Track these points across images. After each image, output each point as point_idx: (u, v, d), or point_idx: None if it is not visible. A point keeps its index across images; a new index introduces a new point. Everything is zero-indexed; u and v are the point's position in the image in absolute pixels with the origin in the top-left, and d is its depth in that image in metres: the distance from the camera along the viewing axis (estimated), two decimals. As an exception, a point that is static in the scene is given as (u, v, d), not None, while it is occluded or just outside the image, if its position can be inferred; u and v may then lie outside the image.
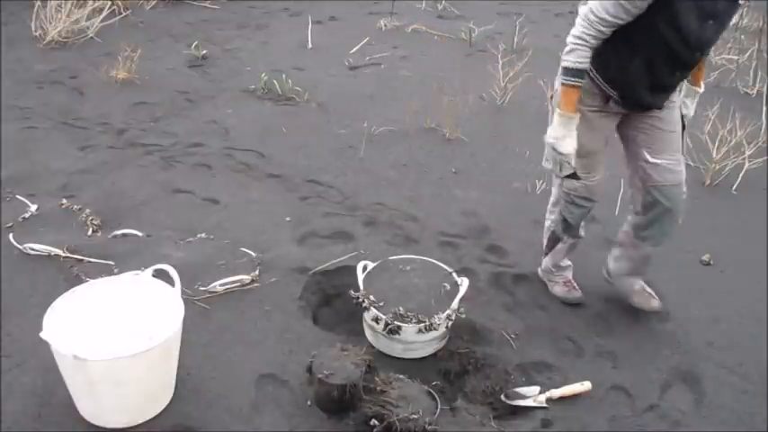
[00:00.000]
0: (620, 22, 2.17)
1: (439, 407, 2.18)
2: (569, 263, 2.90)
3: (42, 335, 1.96)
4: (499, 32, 6.23)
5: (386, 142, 4.17)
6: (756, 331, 2.78)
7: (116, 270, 2.74)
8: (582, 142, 2.38)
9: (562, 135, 2.34)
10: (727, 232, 3.47)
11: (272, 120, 4.41)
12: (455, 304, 2.47)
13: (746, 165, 3.97)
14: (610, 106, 2.45)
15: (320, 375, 2.17)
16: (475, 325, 2.64)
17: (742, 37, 6.36)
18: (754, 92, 5.27)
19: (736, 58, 5.72)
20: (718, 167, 3.94)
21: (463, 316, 2.54)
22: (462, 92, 4.60)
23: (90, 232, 3.06)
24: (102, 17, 5.68)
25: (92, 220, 3.13)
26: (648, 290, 2.76)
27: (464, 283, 2.57)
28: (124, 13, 6.08)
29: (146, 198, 3.40)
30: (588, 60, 2.25)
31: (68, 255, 2.84)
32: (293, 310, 2.68)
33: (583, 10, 2.23)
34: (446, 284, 2.57)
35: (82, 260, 2.83)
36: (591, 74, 2.36)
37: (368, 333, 2.55)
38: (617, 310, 2.83)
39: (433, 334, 2.44)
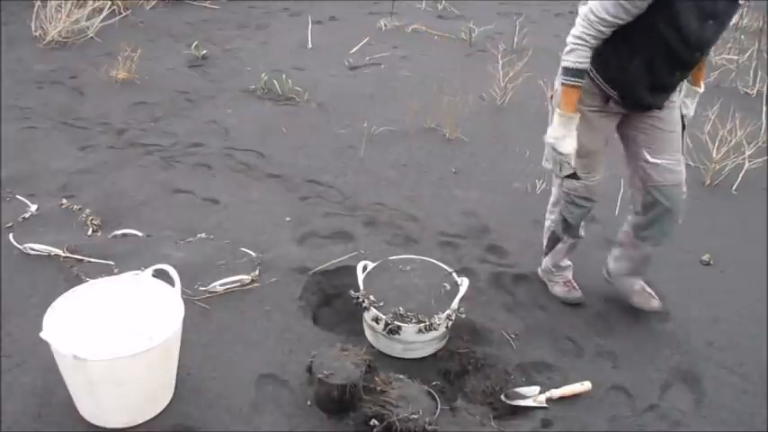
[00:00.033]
0: (620, 22, 2.17)
1: (439, 407, 2.18)
2: (569, 263, 2.90)
3: (42, 335, 1.96)
4: (499, 32, 6.23)
5: (386, 142, 4.17)
6: (756, 331, 2.78)
7: (116, 270, 2.74)
8: (582, 142, 2.38)
9: (562, 135, 2.34)
10: (727, 232, 3.47)
11: (272, 120, 4.41)
12: (455, 304, 2.47)
13: (746, 165, 3.97)
14: (610, 106, 2.45)
15: (320, 375, 2.17)
16: (475, 325, 2.64)
17: (742, 37, 6.36)
18: (754, 92, 5.27)
19: (736, 58, 5.72)
20: (718, 167, 3.94)
21: (463, 316, 2.54)
22: (462, 92, 4.60)
23: (90, 232, 3.06)
24: (102, 17, 5.68)
25: (92, 220, 3.13)
26: (648, 290, 2.76)
27: (464, 283, 2.57)
28: (124, 13, 6.08)
29: (146, 198, 3.40)
30: (588, 60, 2.25)
31: (68, 255, 2.84)
32: (293, 310, 2.68)
33: (583, 10, 2.22)
34: (446, 284, 2.57)
35: (82, 260, 2.83)
36: (591, 74, 2.37)
37: (368, 333, 2.55)
38: (617, 310, 2.83)
39: (433, 334, 2.44)
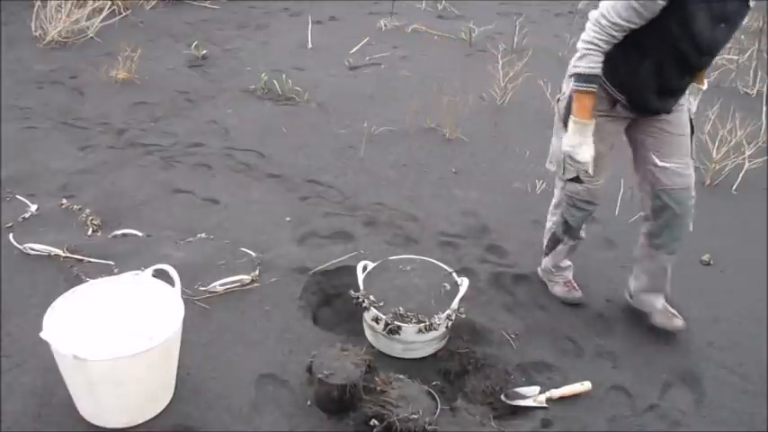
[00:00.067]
0: (633, 26, 2.15)
1: (439, 407, 2.18)
2: (569, 263, 2.90)
3: (42, 335, 1.96)
4: (499, 32, 6.23)
5: (386, 142, 4.17)
6: (756, 331, 2.78)
7: (116, 270, 2.74)
8: None
9: (578, 142, 2.31)
10: (727, 232, 3.47)
11: (272, 120, 4.41)
12: (455, 304, 2.47)
13: (746, 165, 3.97)
14: (617, 110, 2.43)
15: (320, 375, 2.17)
16: (475, 325, 2.64)
17: (742, 37, 6.36)
18: (754, 92, 5.28)
19: (736, 58, 5.72)
20: (718, 167, 3.94)
21: (463, 316, 2.54)
22: (462, 92, 4.60)
23: (90, 232, 3.06)
24: (102, 17, 5.68)
25: (92, 220, 3.13)
26: (671, 309, 2.69)
27: (464, 283, 2.57)
28: (124, 13, 6.08)
29: (146, 198, 3.40)
30: (600, 65, 2.23)
31: (68, 255, 2.84)
32: (293, 310, 2.68)
33: (594, 14, 2.20)
34: (446, 284, 2.57)
35: (82, 260, 2.83)
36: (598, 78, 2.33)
37: (368, 333, 2.55)
38: (617, 310, 2.84)
39: (433, 334, 2.44)
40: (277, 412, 2.21)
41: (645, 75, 2.27)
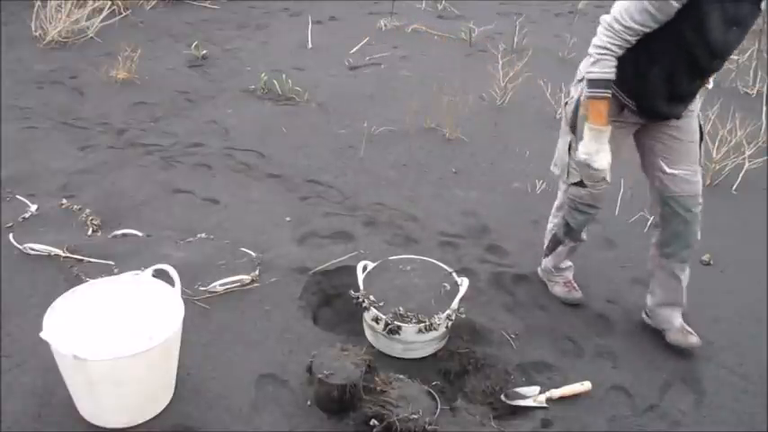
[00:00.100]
0: (647, 29, 2.12)
1: (439, 407, 2.18)
2: (570, 263, 2.90)
3: (42, 335, 1.96)
4: (499, 32, 6.23)
5: (386, 142, 4.17)
6: (756, 331, 2.78)
7: (116, 270, 2.74)
8: None
9: (595, 150, 2.27)
10: (727, 232, 3.47)
11: (272, 120, 4.41)
12: (455, 304, 2.47)
13: (746, 165, 3.97)
14: (624, 115, 2.40)
15: (320, 375, 2.17)
16: (475, 325, 2.64)
17: (742, 37, 6.36)
18: (754, 92, 5.27)
19: (736, 58, 5.71)
20: (718, 167, 3.94)
21: (463, 316, 2.54)
22: (462, 92, 4.60)
23: (90, 232, 3.06)
24: (102, 17, 5.68)
25: (92, 220, 3.13)
26: (687, 327, 2.64)
27: (464, 283, 2.57)
28: (124, 13, 6.08)
29: (146, 198, 3.40)
30: (614, 70, 2.19)
31: (68, 255, 2.84)
32: (293, 310, 2.68)
33: (606, 19, 2.17)
34: (446, 284, 2.57)
35: (82, 260, 2.83)
36: None
37: (368, 333, 2.55)
38: (617, 310, 2.84)
39: (433, 334, 2.44)
40: (277, 412, 2.21)
41: (655, 79, 2.24)
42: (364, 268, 2.62)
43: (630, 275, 3.07)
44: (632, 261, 3.16)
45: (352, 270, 2.66)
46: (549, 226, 2.85)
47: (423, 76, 5.22)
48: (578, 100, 2.42)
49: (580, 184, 2.43)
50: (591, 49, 2.23)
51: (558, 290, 2.88)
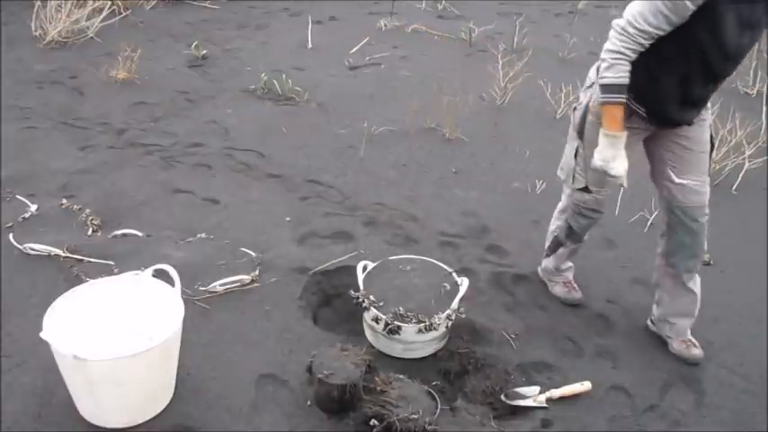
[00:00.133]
0: (662, 32, 2.09)
1: (439, 407, 2.18)
2: (570, 264, 2.90)
3: (42, 335, 1.96)
4: (499, 32, 6.23)
5: (386, 142, 4.17)
6: (756, 331, 2.78)
7: (116, 270, 2.74)
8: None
9: (612, 156, 2.25)
10: (728, 232, 3.46)
11: (272, 120, 4.41)
12: (455, 304, 2.47)
13: (746, 165, 3.97)
14: (632, 121, 2.33)
15: (320, 375, 2.17)
16: (475, 325, 2.64)
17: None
18: (754, 92, 5.27)
19: (736, 58, 5.71)
20: (718, 167, 3.94)
21: (463, 316, 2.54)
22: (462, 92, 4.60)
23: (90, 232, 3.06)
24: (102, 17, 5.68)
25: (92, 220, 3.13)
26: (691, 339, 2.63)
27: (464, 283, 2.57)
28: (124, 13, 6.08)
29: (146, 198, 3.40)
30: (628, 74, 2.16)
31: (68, 255, 2.84)
32: (293, 310, 2.68)
33: (619, 23, 2.14)
34: (446, 284, 2.57)
35: (82, 260, 2.83)
36: None
37: (368, 333, 2.55)
38: (617, 310, 2.84)
39: (433, 334, 2.44)
40: (277, 412, 2.21)
41: (668, 83, 2.21)
42: (364, 268, 2.62)
43: (630, 275, 3.07)
44: (632, 261, 3.16)
45: (352, 270, 2.66)
46: (552, 228, 2.84)
47: (423, 76, 5.22)
48: (587, 106, 2.40)
49: (585, 189, 2.42)
50: (604, 54, 2.19)
51: (558, 290, 2.88)
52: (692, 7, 2.03)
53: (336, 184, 3.69)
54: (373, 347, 2.50)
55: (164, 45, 5.64)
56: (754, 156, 4.02)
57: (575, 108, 2.51)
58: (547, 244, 2.83)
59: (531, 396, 2.34)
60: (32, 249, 2.85)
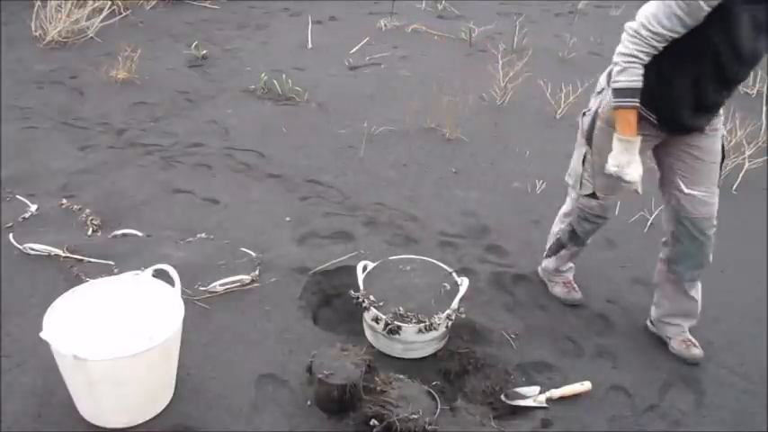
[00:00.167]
0: (675, 35, 2.06)
1: (439, 407, 2.18)
2: (571, 265, 2.90)
3: (42, 335, 1.96)
4: (499, 32, 6.23)
5: (386, 142, 4.17)
6: (756, 331, 2.78)
7: (116, 270, 2.74)
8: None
9: (626, 161, 2.21)
10: (727, 232, 3.44)
11: (272, 120, 4.41)
12: (455, 304, 2.47)
13: (746, 165, 3.97)
14: (643, 128, 2.26)
15: (320, 375, 2.17)
16: (475, 325, 2.64)
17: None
18: (754, 92, 5.27)
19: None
20: (718, 167, 3.94)
21: (463, 316, 2.54)
22: (462, 92, 4.59)
23: (90, 232, 3.06)
24: (102, 17, 5.68)
25: (92, 220, 3.13)
26: (691, 338, 2.61)
27: (464, 283, 2.57)
28: (124, 13, 6.08)
29: (146, 198, 3.40)
30: (641, 78, 2.13)
31: (68, 255, 2.84)
32: (293, 310, 2.68)
33: (632, 26, 2.11)
34: (446, 284, 2.57)
35: (82, 260, 2.83)
36: None
37: (368, 333, 2.55)
38: (617, 310, 2.84)
39: (433, 334, 2.44)
40: (277, 412, 2.21)
41: (681, 86, 2.18)
42: (364, 268, 2.62)
43: (630, 275, 3.07)
44: (632, 261, 3.16)
45: (352, 270, 2.66)
46: (555, 230, 2.84)
47: (423, 76, 5.22)
48: (596, 112, 2.38)
49: (592, 195, 2.41)
50: (616, 58, 2.16)
51: (558, 290, 2.88)
52: (706, 9, 1.99)
53: (336, 184, 3.69)
54: (373, 347, 2.50)
55: (164, 45, 5.64)
56: (754, 156, 4.02)
57: (584, 114, 2.48)
58: (548, 245, 2.83)
59: (531, 396, 2.34)
60: (32, 249, 2.85)
